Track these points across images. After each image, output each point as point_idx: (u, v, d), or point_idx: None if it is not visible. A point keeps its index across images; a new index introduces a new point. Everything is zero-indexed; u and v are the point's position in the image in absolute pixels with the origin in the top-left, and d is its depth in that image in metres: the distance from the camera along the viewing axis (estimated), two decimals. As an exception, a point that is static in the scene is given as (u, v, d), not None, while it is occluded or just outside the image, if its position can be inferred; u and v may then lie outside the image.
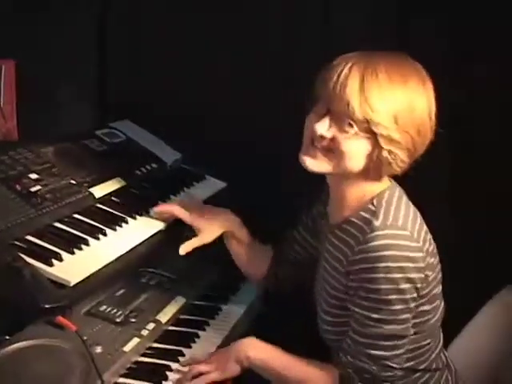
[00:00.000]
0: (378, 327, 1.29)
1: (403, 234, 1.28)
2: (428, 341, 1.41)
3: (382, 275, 1.25)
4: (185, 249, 1.61)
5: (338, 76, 1.26)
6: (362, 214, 1.33)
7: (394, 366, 1.32)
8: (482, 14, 1.81)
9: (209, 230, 1.62)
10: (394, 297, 1.27)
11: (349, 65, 1.26)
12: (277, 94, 1.99)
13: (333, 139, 1.30)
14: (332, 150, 1.31)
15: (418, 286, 1.29)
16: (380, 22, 1.90)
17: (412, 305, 1.29)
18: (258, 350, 1.42)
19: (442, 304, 1.43)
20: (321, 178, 1.49)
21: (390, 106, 1.24)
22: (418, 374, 1.42)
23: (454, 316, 1.46)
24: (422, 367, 1.42)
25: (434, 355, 1.44)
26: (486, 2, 1.79)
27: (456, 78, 1.78)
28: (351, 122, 1.26)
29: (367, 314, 1.29)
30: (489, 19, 1.81)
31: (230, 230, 1.66)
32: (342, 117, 1.27)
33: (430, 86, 1.31)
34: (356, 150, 1.29)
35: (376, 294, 1.27)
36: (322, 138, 1.30)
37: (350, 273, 1.32)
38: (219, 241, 1.73)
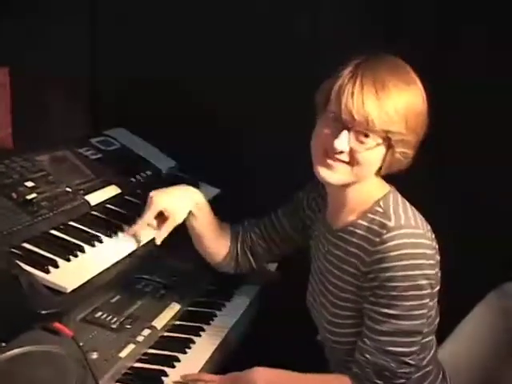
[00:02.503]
0: (394, 323, 1.32)
1: (418, 233, 1.34)
2: (430, 337, 1.46)
3: (401, 273, 1.30)
4: (160, 236, 1.56)
5: (352, 95, 1.30)
6: (371, 216, 1.38)
7: (411, 362, 1.36)
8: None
9: (178, 210, 1.58)
10: (411, 293, 1.31)
11: (358, 81, 1.30)
12: (273, 98, 2.01)
13: (351, 151, 1.34)
14: (350, 161, 1.34)
15: (433, 282, 1.35)
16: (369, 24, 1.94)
17: (427, 300, 1.34)
18: (266, 378, 1.40)
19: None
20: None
21: (402, 112, 1.31)
22: (421, 372, 1.46)
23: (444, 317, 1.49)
24: (424, 364, 1.46)
25: (432, 352, 1.49)
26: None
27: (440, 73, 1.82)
28: (369, 134, 1.31)
29: (384, 311, 1.33)
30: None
31: (197, 204, 1.61)
32: (360, 130, 1.32)
33: (421, 86, 1.37)
34: (375, 158, 1.35)
35: (394, 291, 1.31)
36: (341, 152, 1.34)
37: (367, 273, 1.35)
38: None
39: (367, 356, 1.35)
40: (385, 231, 1.33)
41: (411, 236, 1.32)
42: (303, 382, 1.42)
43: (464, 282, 1.74)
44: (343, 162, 1.34)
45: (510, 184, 1.86)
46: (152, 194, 1.57)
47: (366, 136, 1.32)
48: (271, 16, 2.03)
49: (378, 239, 1.34)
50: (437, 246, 1.40)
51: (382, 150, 1.34)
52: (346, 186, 1.40)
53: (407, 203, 1.41)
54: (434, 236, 1.40)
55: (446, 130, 1.84)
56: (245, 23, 2.04)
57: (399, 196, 1.43)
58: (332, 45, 1.91)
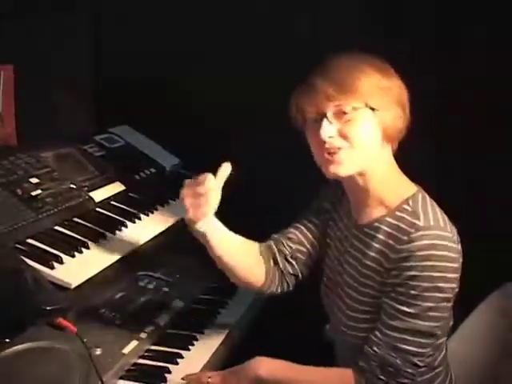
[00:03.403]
0: (409, 322, 1.33)
1: (446, 235, 1.33)
2: (442, 339, 1.46)
3: (425, 273, 1.30)
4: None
5: (309, 92, 1.36)
6: (399, 214, 1.37)
7: (419, 363, 1.35)
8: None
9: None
10: (431, 294, 1.31)
11: (309, 85, 1.36)
12: (273, 98, 2.00)
13: (340, 132, 1.35)
14: (347, 141, 1.35)
15: (453, 286, 1.35)
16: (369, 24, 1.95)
17: (445, 303, 1.34)
18: (267, 367, 1.40)
19: None
20: (317, 180, 1.51)
21: (355, 76, 1.34)
22: (432, 373, 1.45)
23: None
24: (435, 364, 1.46)
25: (443, 353, 1.49)
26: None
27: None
28: (341, 107, 1.33)
29: (401, 308, 1.33)
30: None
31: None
32: (334, 111, 1.34)
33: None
34: (364, 126, 1.35)
35: (415, 290, 1.31)
36: (331, 137, 1.35)
37: (391, 270, 1.35)
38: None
39: (376, 349, 1.35)
40: (413, 230, 1.33)
41: (439, 238, 1.32)
42: (305, 373, 1.41)
43: (465, 281, 1.74)
44: (340, 148, 1.34)
45: (510, 184, 1.87)
46: None
47: (344, 113, 1.34)
48: (271, 16, 2.04)
49: (405, 237, 1.33)
50: (461, 250, 1.38)
51: (366, 114, 1.34)
52: (360, 176, 1.39)
53: (435, 204, 1.40)
54: (459, 239, 1.39)
55: (446, 130, 1.85)
56: (245, 23, 2.05)
57: (427, 196, 1.42)
58: (332, 45, 1.92)
